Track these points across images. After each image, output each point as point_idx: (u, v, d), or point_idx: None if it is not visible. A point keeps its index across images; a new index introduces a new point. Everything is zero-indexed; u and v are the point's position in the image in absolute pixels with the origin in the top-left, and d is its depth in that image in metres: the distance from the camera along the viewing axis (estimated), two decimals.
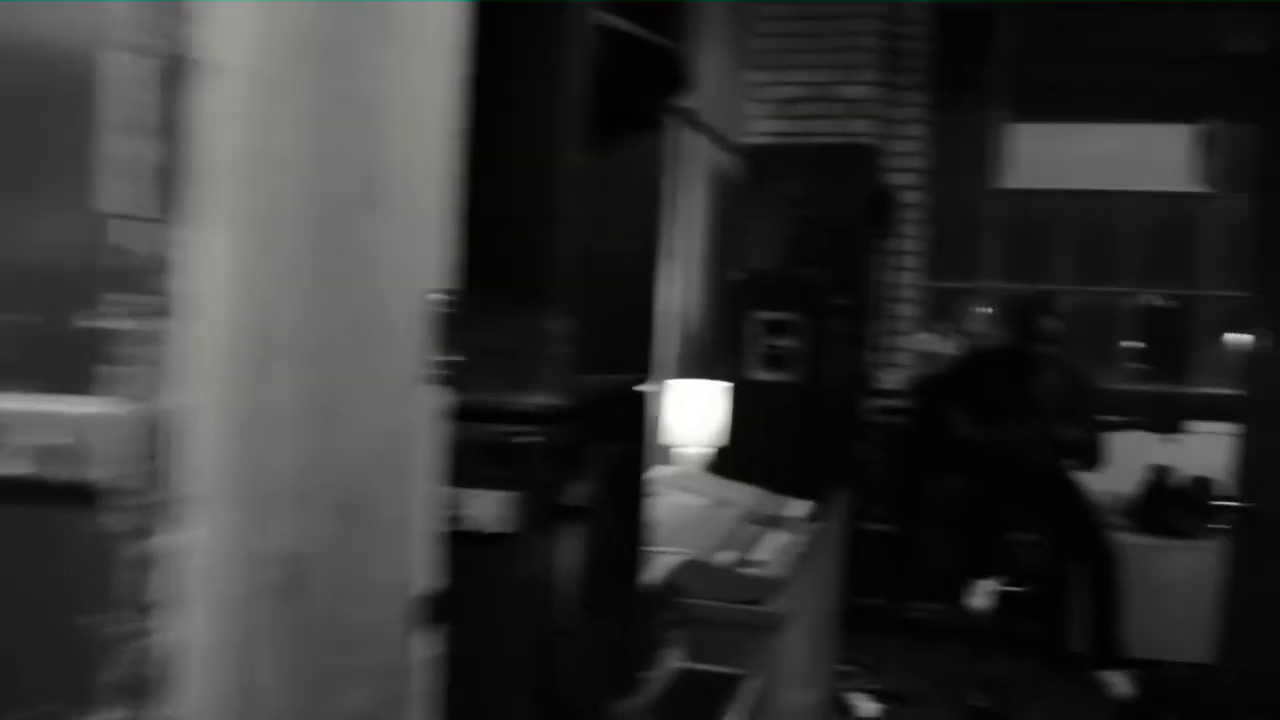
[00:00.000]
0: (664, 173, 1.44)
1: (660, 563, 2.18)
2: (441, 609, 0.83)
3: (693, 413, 3.49)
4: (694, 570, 2.35)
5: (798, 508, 3.08)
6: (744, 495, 3.05)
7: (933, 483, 4.89)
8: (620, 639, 1.47)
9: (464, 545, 0.96)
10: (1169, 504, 4.30)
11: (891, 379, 5.00)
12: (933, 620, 4.68)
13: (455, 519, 0.96)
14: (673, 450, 3.57)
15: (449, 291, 0.77)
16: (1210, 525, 4.27)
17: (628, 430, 1.42)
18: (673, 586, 2.20)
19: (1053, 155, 5.13)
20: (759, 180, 4.07)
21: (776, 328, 3.26)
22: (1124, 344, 5.14)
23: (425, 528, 0.79)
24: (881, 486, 5.09)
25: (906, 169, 5.02)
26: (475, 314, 1.01)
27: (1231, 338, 5.11)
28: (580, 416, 1.17)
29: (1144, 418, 3.88)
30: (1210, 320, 5.06)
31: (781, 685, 2.42)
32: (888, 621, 4.78)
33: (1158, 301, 5.14)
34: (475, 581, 0.97)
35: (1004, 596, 4.15)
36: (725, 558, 2.44)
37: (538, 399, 1.01)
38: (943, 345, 5.31)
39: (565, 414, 1.05)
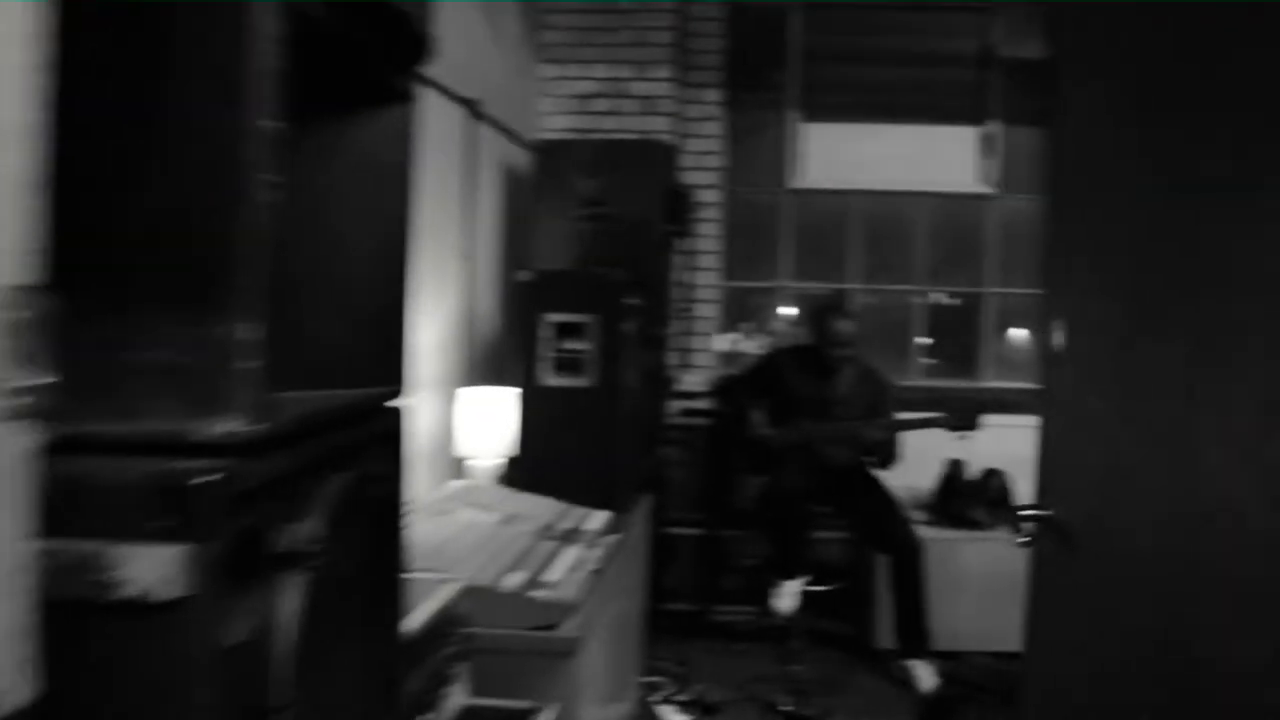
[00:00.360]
0: (410, 153, 1.25)
1: (437, 592, 1.99)
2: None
3: (483, 422, 3.30)
4: (478, 597, 2.16)
5: (595, 519, 2.94)
6: (538, 509, 2.89)
7: (736, 484, 4.89)
8: (375, 690, 1.27)
9: (116, 619, 0.75)
10: (964, 497, 4.43)
11: (692, 380, 4.96)
12: (740, 623, 4.67)
13: (105, 584, 0.75)
14: (463, 463, 3.37)
15: (35, 290, 0.57)
16: (1005, 517, 4.44)
17: (373, 452, 1.22)
18: (453, 617, 2.01)
19: (843, 155, 5.23)
20: (552, 177, 3.91)
21: (569, 330, 3.11)
22: (917, 341, 5.30)
23: (13, 607, 0.58)
24: (686, 489, 5.05)
25: (702, 168, 4.99)
26: (126, 323, 0.80)
27: (1015, 333, 5.36)
28: (295, 442, 0.97)
29: (944, 415, 3.97)
30: (997, 317, 5.29)
31: (579, 712, 2.26)
32: (696, 626, 4.73)
33: (946, 299, 5.33)
34: (133, 664, 0.76)
35: (809, 596, 4.16)
36: (513, 581, 2.26)
37: (221, 426, 0.80)
38: (742, 345, 5.33)
39: (263, 442, 0.85)
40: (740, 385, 4.50)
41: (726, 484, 4.90)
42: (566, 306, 3.10)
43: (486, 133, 3.89)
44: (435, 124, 3.35)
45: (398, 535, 1.31)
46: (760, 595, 4.39)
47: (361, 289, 1.25)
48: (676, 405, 4.99)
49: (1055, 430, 1.73)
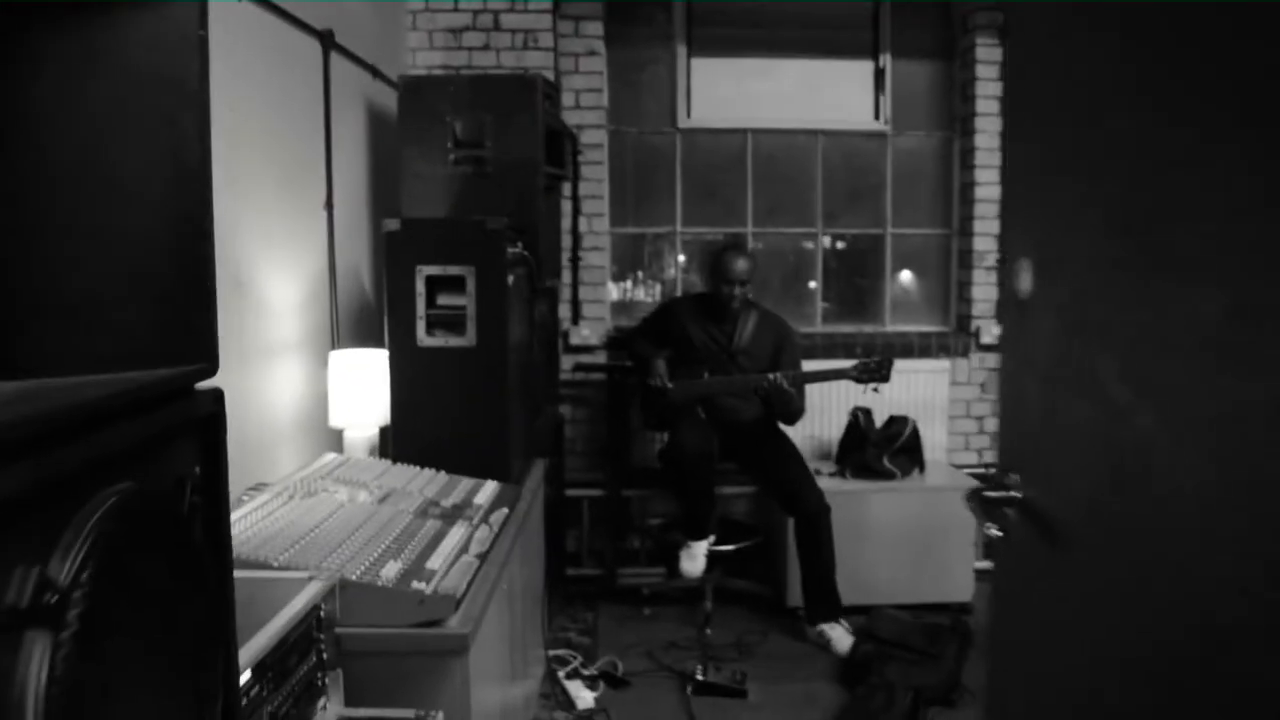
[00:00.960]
0: (199, 66, 0.98)
1: (302, 591, 1.73)
2: None
3: (359, 389, 3.02)
4: (350, 593, 1.91)
5: (484, 491, 2.71)
6: (420, 483, 2.63)
7: (636, 441, 4.69)
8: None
9: None
10: (871, 446, 4.33)
11: (585, 334, 4.73)
12: (648, 586, 4.51)
13: None
14: (341, 435, 3.08)
15: None
16: (911, 465, 4.36)
17: (175, 451, 0.96)
18: (321, 618, 1.76)
19: (734, 92, 5.02)
20: (421, 117, 3.59)
21: (445, 284, 2.84)
22: (814, 285, 5.17)
23: None
24: (585, 448, 4.84)
25: (585, 106, 4.72)
26: None
27: (908, 275, 5.28)
28: (37, 449, 0.71)
29: (854, 366, 3.83)
30: (895, 257, 5.19)
31: (473, 714, 2.04)
32: (603, 592, 4.56)
33: (842, 243, 5.20)
34: None
35: (718, 556, 4.02)
36: (391, 572, 2.02)
37: None
38: (636, 295, 5.12)
39: None
40: (637, 337, 4.29)
41: (626, 441, 4.71)
42: (441, 258, 2.83)
43: (347, 69, 3.55)
44: (285, 58, 3.00)
45: (217, 550, 1.05)
46: (668, 556, 4.23)
47: (149, 240, 0.98)
48: (570, 360, 4.76)
49: (1025, 392, 1.45)
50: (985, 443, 5.11)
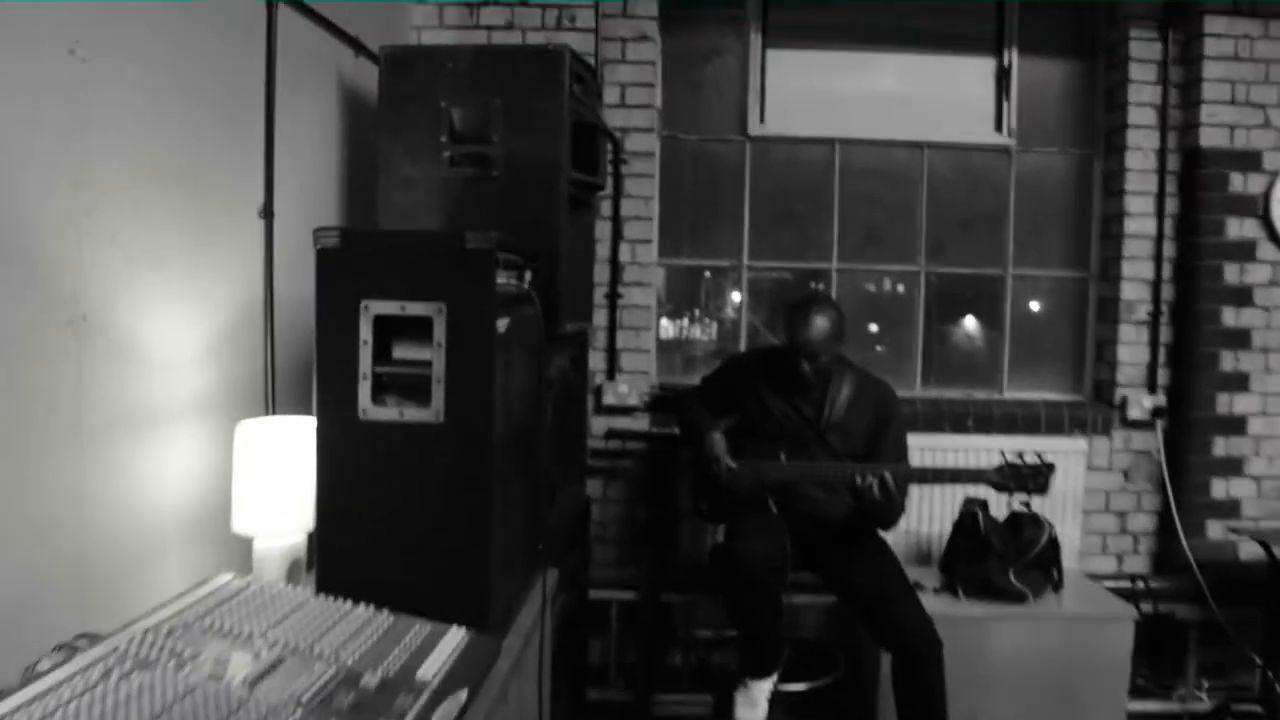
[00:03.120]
0: None
1: None
2: None
3: (277, 477, 2.15)
4: None
5: (441, 650, 1.81)
6: (341, 635, 1.75)
7: (685, 530, 3.78)
8: None
9: None
10: (990, 554, 3.36)
11: (624, 391, 3.84)
12: (691, 718, 3.57)
13: None
14: (250, 544, 2.22)
15: None
16: (1044, 583, 3.39)
17: None
18: None
19: (819, 93, 4.14)
20: (409, 101, 2.77)
21: (405, 329, 1.98)
22: (913, 337, 4.24)
23: None
24: (618, 537, 3.93)
25: (632, 104, 3.87)
26: None
27: (972, 322, 4.32)
28: None
29: (1000, 470, 2.87)
30: (1017, 305, 4.24)
31: None
32: None
33: (950, 284, 4.27)
34: None
35: (785, 697, 3.08)
36: None
37: None
38: (692, 334, 4.23)
39: None
40: (689, 399, 3.41)
41: (671, 530, 3.79)
42: (398, 290, 1.96)
43: (312, 38, 2.74)
44: (202, 8, 2.18)
45: None
46: (718, 684, 3.30)
47: None
48: (603, 424, 3.87)
49: None
50: (1127, 545, 4.11)
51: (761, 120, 4.09)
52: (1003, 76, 4.17)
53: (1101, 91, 4.16)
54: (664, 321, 4.18)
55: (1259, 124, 3.90)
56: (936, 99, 4.18)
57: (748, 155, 4.10)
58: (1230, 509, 4.01)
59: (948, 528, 3.69)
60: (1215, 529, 4.01)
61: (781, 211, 4.17)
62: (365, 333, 1.97)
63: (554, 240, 2.73)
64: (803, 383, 3.11)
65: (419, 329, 1.98)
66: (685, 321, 4.25)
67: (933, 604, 3.27)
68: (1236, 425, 3.98)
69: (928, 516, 3.86)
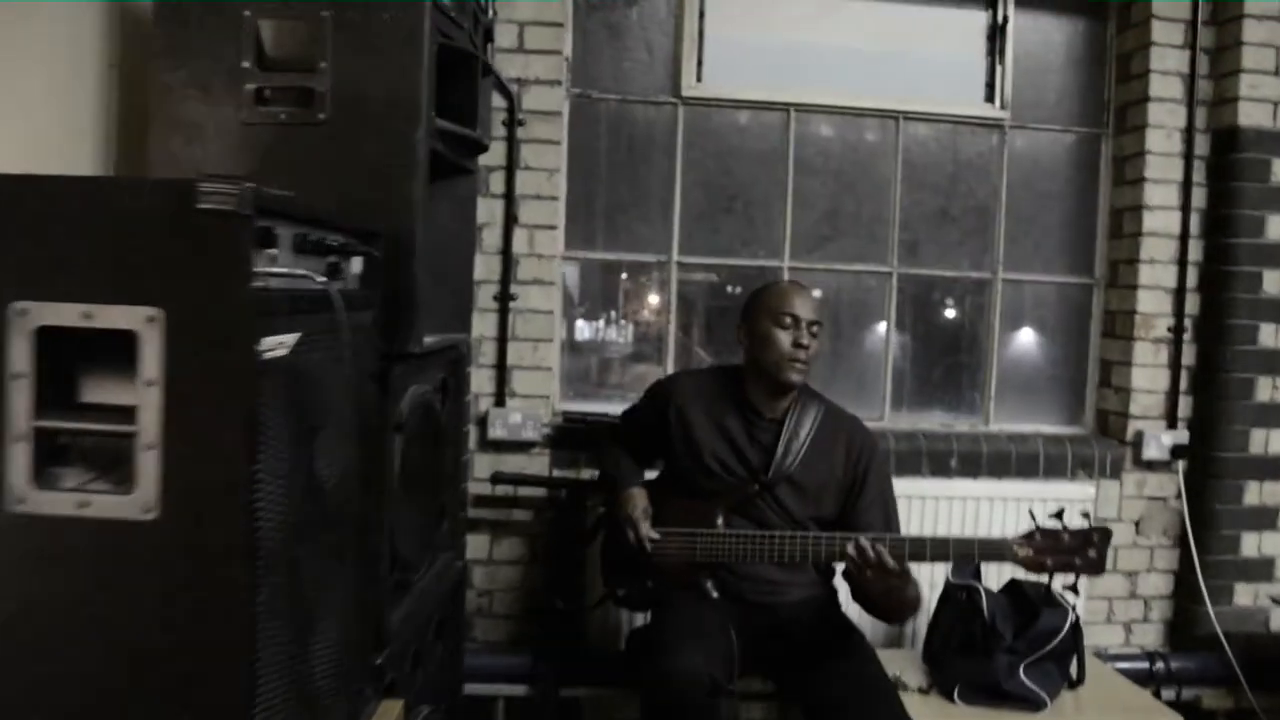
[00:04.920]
0: None
1: None
2: None
3: None
4: None
5: None
6: None
7: (601, 611, 2.97)
8: None
9: None
10: (990, 643, 2.62)
11: (515, 422, 3.03)
12: None
13: None
14: None
15: None
16: (1061, 681, 2.67)
17: None
18: None
19: (770, 47, 3.39)
20: (198, 17, 1.95)
21: (97, 353, 1.17)
22: (882, 352, 3.51)
23: None
24: (509, 612, 3.12)
25: (534, 50, 3.07)
26: None
27: (1030, 335, 3.63)
28: None
29: (1031, 544, 2.12)
30: (1006, 316, 3.54)
31: None
32: None
33: (924, 288, 3.55)
34: None
35: None
36: None
37: None
38: (616, 359, 3.44)
39: None
40: (612, 439, 2.63)
41: (577, 604, 2.99)
42: (82, 283, 1.14)
43: None
44: None
45: None
46: None
47: None
48: (488, 463, 3.06)
49: None
50: (1138, 612, 3.44)
51: (698, 78, 3.31)
52: (996, 35, 3.46)
53: (1114, 57, 3.48)
54: (581, 325, 3.39)
55: None
56: (915, 60, 3.45)
57: (680, 122, 3.32)
58: (1262, 570, 3.37)
59: (928, 599, 2.97)
60: (1244, 593, 3.36)
61: (722, 194, 3.40)
62: (20, 359, 1.15)
63: (405, 215, 1.92)
64: (772, 390, 2.37)
65: (120, 354, 1.17)
66: (605, 330, 3.46)
67: (919, 709, 2.54)
68: (1273, 468, 3.34)
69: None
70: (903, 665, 2.83)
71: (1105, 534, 2.11)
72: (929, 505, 3.21)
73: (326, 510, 1.53)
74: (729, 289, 3.44)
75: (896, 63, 3.44)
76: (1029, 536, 2.15)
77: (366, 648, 1.79)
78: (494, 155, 3.01)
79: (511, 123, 3.02)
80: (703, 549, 2.31)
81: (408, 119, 1.95)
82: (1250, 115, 3.22)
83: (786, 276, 3.35)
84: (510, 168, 3.03)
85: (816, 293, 3.29)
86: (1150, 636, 3.46)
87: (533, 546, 3.08)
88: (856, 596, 2.29)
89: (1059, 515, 2.15)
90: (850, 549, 2.13)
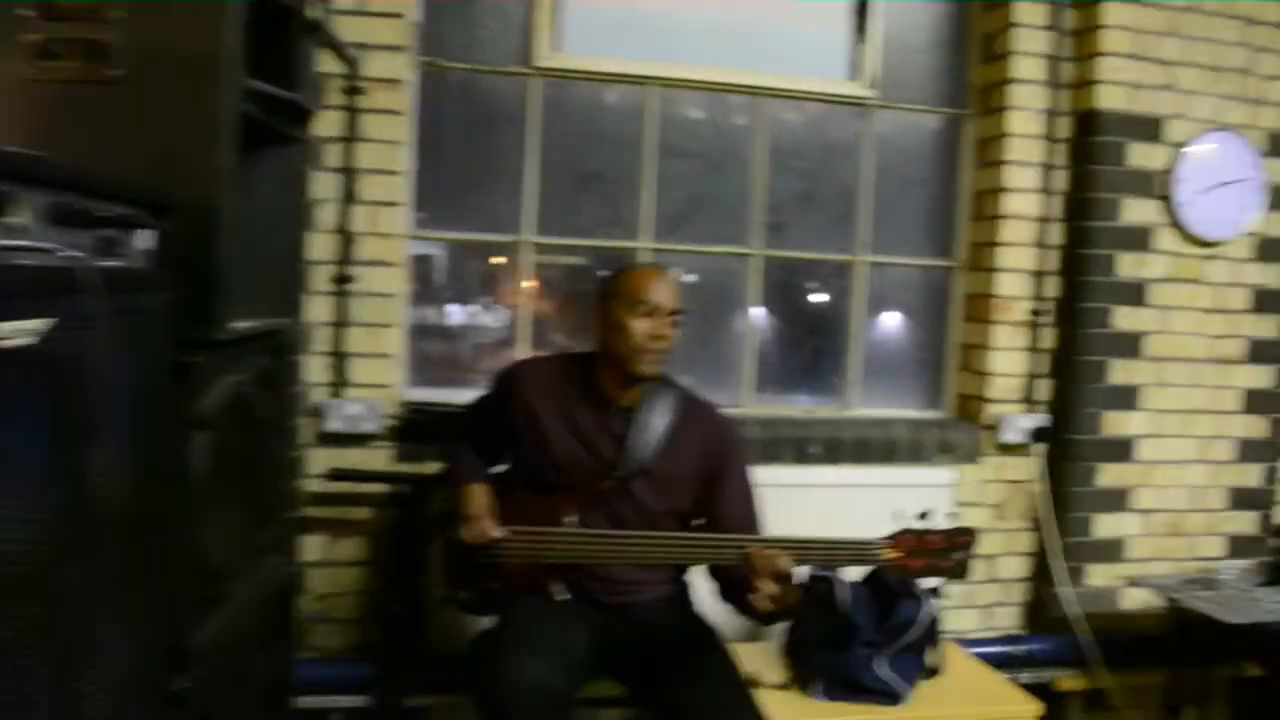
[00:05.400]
0: None
1: None
2: None
3: None
4: None
5: None
6: None
7: (440, 611, 2.80)
8: None
9: None
10: (858, 645, 2.56)
11: (354, 413, 2.84)
12: None
13: None
14: None
15: None
16: (917, 671, 2.62)
17: None
18: None
19: (630, 19, 3.26)
20: None
21: None
22: (744, 337, 3.42)
23: None
24: (346, 618, 2.93)
25: (377, 12, 2.86)
26: None
27: (889, 322, 3.60)
28: None
29: (899, 544, 2.04)
30: (871, 300, 3.50)
31: None
32: None
33: (788, 271, 3.47)
34: None
35: None
36: None
37: None
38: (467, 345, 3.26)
39: None
40: (459, 433, 2.47)
41: (417, 610, 2.82)
42: None
43: None
44: None
45: None
46: None
47: None
48: (326, 457, 2.86)
49: None
50: (996, 596, 3.45)
51: (555, 47, 3.16)
52: (862, 13, 3.40)
53: (979, 36, 3.47)
54: (430, 309, 3.20)
55: (1162, 85, 3.30)
56: (781, 37, 3.36)
57: (536, 95, 3.16)
58: (1114, 551, 3.42)
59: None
60: (1097, 575, 3.41)
61: (581, 172, 3.26)
62: None
63: (209, 184, 1.72)
64: (627, 379, 2.24)
65: None
66: (461, 314, 3.28)
67: (779, 706, 2.47)
68: (1124, 450, 3.39)
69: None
70: (762, 660, 2.76)
71: (971, 535, 2.06)
72: (791, 494, 3.12)
73: (106, 523, 1.34)
74: (600, 272, 3.30)
75: (762, 40, 3.34)
76: (895, 538, 2.07)
77: (163, 674, 1.60)
78: (332, 125, 2.80)
79: (351, 91, 2.81)
80: (551, 549, 2.17)
81: (214, 77, 1.75)
82: (1110, 98, 3.24)
83: (648, 259, 3.23)
84: (350, 139, 2.82)
85: (690, 276, 3.19)
86: (1009, 619, 3.48)
87: (375, 547, 2.90)
88: (728, 597, 2.18)
89: (924, 515, 2.09)
90: (755, 558, 2.02)
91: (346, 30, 2.79)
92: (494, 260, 3.24)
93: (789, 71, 3.33)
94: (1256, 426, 3.52)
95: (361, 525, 2.90)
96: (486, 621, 2.38)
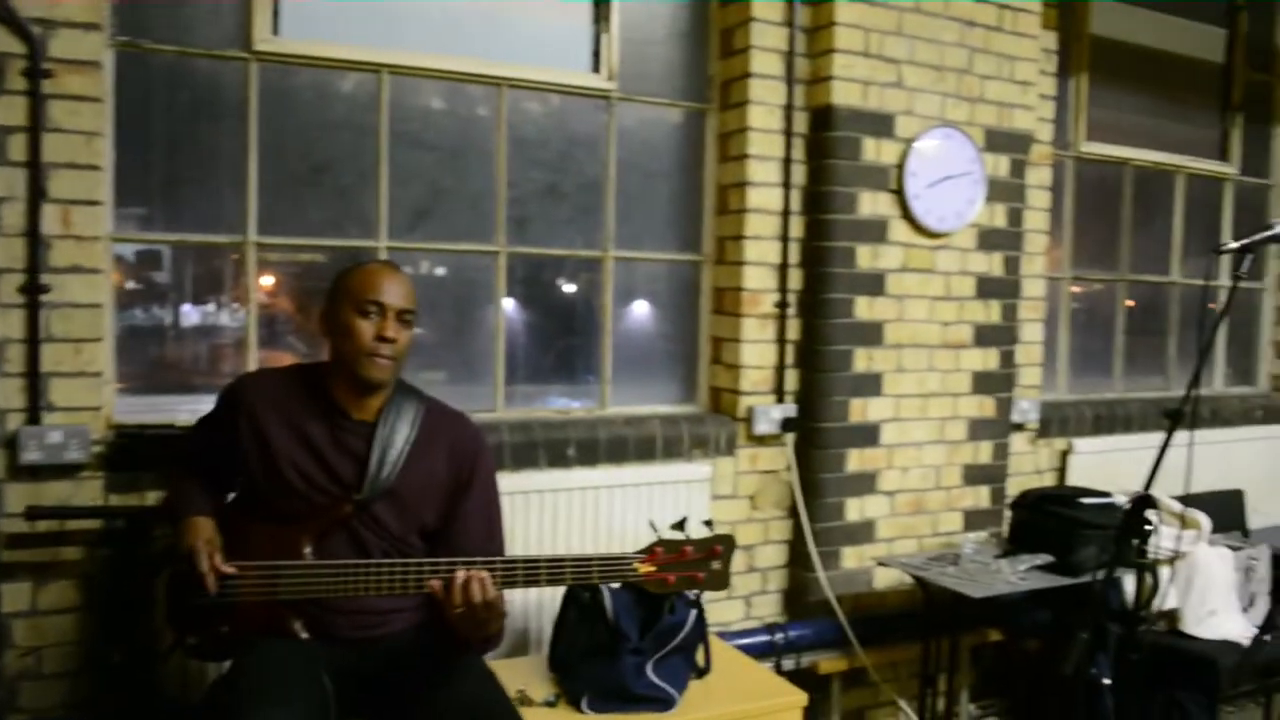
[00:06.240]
0: None
1: None
2: None
3: None
4: None
5: None
6: None
7: (179, 663, 2.53)
8: None
9: None
10: (626, 653, 2.50)
11: (55, 441, 2.51)
12: None
13: None
14: None
15: None
16: (689, 671, 2.59)
17: None
18: None
19: (341, 5, 3.06)
20: None
21: None
22: (498, 333, 3.31)
23: None
24: (64, 670, 2.61)
25: None
26: None
27: (640, 315, 3.58)
28: None
29: (660, 556, 1.96)
30: (619, 295, 3.46)
31: None
32: None
33: (535, 269, 3.37)
34: None
35: None
36: None
37: None
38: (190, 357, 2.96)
39: None
40: (181, 458, 2.22)
41: (143, 665, 2.54)
42: None
43: None
44: None
45: None
46: None
47: None
48: (24, 494, 2.52)
49: None
50: (756, 585, 3.51)
51: (275, 30, 2.92)
52: (602, 2, 3.35)
53: (718, 31, 3.49)
54: (142, 314, 2.89)
55: (892, 82, 3.43)
56: (522, 25, 3.26)
57: (254, 82, 2.90)
58: (865, 532, 3.54)
59: (552, 601, 2.82)
60: (851, 557, 3.52)
61: (310, 165, 3.04)
62: None
63: None
64: (367, 386, 2.08)
65: None
66: (186, 322, 2.99)
67: None
68: (870, 435, 3.51)
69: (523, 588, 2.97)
70: (528, 676, 2.67)
71: (729, 543, 2.03)
72: (547, 500, 3.05)
73: None
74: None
75: (503, 29, 3.23)
76: (649, 551, 2.01)
77: None
78: (12, 113, 2.47)
79: (35, 73, 2.48)
80: (287, 584, 1.98)
81: None
82: (843, 95, 3.33)
83: (384, 257, 3.05)
84: (35, 129, 2.49)
85: (439, 269, 3.04)
86: (769, 607, 3.54)
87: (89, 590, 2.59)
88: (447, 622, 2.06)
89: (681, 525, 2.05)
90: (435, 583, 1.91)
91: (27, 4, 2.47)
92: (226, 257, 2.97)
93: (531, 62, 3.23)
94: (986, 406, 3.74)
95: (73, 567, 2.58)
96: (223, 667, 2.16)
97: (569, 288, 3.46)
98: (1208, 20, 4.90)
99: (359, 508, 2.05)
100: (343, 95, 3.06)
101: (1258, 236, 2.44)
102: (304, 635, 2.00)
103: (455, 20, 3.18)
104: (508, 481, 2.72)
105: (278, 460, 2.06)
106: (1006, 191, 3.70)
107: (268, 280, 3.01)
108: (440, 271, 3.26)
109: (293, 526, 2.02)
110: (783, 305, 3.42)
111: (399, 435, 2.11)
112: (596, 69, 3.35)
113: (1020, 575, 3.17)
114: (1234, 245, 2.51)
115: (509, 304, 3.32)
